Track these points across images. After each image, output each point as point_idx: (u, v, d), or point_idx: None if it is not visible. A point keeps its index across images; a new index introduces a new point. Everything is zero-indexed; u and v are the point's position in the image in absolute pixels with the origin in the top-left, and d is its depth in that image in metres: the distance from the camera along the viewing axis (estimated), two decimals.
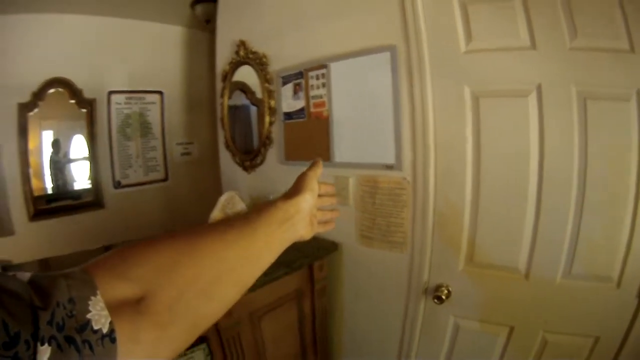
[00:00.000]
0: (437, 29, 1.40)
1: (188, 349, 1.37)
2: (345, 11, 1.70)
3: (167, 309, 0.39)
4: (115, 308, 0.34)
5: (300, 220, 0.63)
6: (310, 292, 1.79)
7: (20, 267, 2.25)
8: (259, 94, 2.29)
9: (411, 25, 1.44)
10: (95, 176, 3.41)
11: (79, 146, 3.38)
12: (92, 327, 0.31)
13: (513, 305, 1.38)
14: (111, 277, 0.37)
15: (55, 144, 3.28)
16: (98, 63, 3.37)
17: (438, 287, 1.49)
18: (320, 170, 0.72)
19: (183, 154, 3.86)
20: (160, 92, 3.70)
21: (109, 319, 0.32)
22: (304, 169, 1.77)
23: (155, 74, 3.67)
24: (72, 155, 3.36)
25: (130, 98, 3.57)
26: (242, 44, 2.29)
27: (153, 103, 3.69)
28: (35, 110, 3.12)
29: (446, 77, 1.39)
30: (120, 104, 3.52)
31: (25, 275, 0.32)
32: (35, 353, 0.27)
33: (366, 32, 1.62)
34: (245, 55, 2.27)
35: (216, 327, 1.42)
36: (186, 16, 3.48)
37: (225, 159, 2.71)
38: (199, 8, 3.13)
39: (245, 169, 2.43)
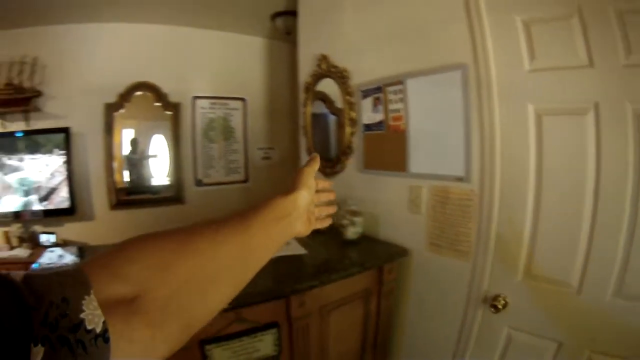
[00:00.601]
0: (503, 48, 1.58)
1: (259, 331, 1.63)
2: (419, 31, 1.94)
3: (160, 308, 0.42)
4: (109, 307, 0.36)
5: (298, 216, 0.67)
6: (378, 292, 2.03)
7: (96, 248, 2.72)
8: (338, 104, 2.57)
9: (479, 45, 1.64)
10: (177, 174, 3.99)
11: (157, 145, 3.97)
12: (85, 327, 0.32)
13: (564, 321, 1.49)
14: (105, 276, 0.39)
15: (134, 142, 3.90)
16: (184, 70, 3.93)
17: (496, 297, 1.65)
18: (317, 166, 0.76)
19: (264, 158, 4.31)
20: (243, 99, 4.19)
21: (103, 319, 0.34)
22: (383, 178, 2.01)
23: (239, 82, 4.15)
24: (149, 154, 3.96)
25: (214, 103, 4.10)
26: (323, 58, 2.59)
27: (236, 109, 4.19)
28: (121, 110, 3.77)
29: (511, 95, 1.57)
30: (205, 108, 4.07)
31: (19, 274, 0.33)
32: (28, 354, 0.28)
33: (439, 51, 1.85)
34: (327, 69, 2.57)
35: (288, 316, 1.68)
36: (267, 28, 3.90)
37: None
38: (279, 21, 3.52)
39: (326, 175, 2.71)
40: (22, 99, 3.60)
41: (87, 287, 0.35)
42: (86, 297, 0.34)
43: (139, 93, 3.86)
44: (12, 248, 3.65)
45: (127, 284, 0.40)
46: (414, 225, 2.05)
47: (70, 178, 3.67)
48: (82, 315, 0.33)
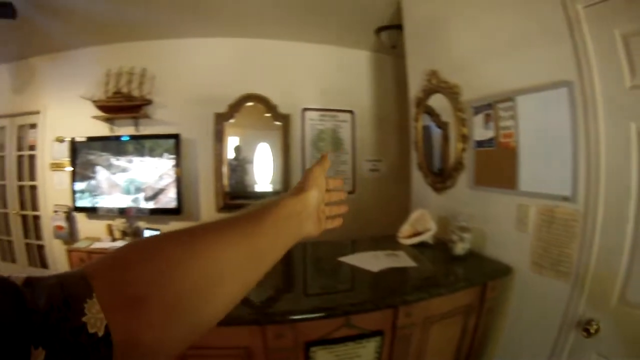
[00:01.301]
0: (604, 64, 1.65)
1: (365, 337, 1.79)
2: (525, 47, 2.05)
3: (165, 311, 0.43)
4: (111, 311, 0.37)
5: (308, 216, 0.70)
6: (478, 309, 2.14)
7: None
8: (443, 117, 2.75)
9: (583, 61, 1.71)
10: (286, 182, 4.42)
11: (263, 153, 4.47)
12: (87, 331, 0.34)
13: None
14: (109, 279, 0.40)
15: (237, 150, 4.45)
16: (293, 83, 4.39)
17: (589, 321, 1.69)
18: (327, 165, 0.78)
19: (371, 170, 4.59)
20: (351, 112, 4.52)
21: (105, 322, 0.36)
22: (492, 195, 2.35)
23: (346, 95, 4.50)
24: (255, 161, 4.48)
25: (323, 115, 4.50)
26: (433, 73, 2.77)
27: (345, 121, 4.54)
28: (231, 120, 4.34)
29: (614, 113, 1.63)
30: (314, 120, 4.49)
31: (20, 278, 0.35)
32: (28, 356, 0.30)
33: (545, 68, 1.94)
34: (437, 84, 2.74)
35: (394, 325, 1.82)
36: (372, 42, 4.21)
37: (417, 178, 3.17)
38: (384, 35, 3.79)
39: (436, 190, 2.88)
40: (132, 107, 4.29)
41: (90, 290, 0.37)
42: (88, 300, 0.36)
43: (248, 104, 4.38)
44: (114, 240, 4.34)
45: (131, 287, 0.41)
46: (520, 244, 2.15)
47: (179, 180, 4.28)
48: (83, 319, 0.35)
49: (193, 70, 4.36)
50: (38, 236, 5.13)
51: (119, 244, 4.09)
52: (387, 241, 2.70)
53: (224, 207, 4.39)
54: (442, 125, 2.82)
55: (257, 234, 0.58)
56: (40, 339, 0.31)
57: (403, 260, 2.31)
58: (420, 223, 2.71)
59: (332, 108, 4.55)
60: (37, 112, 4.92)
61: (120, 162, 4.44)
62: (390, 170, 4.66)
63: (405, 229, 2.74)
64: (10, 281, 0.34)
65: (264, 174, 4.53)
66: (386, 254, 2.39)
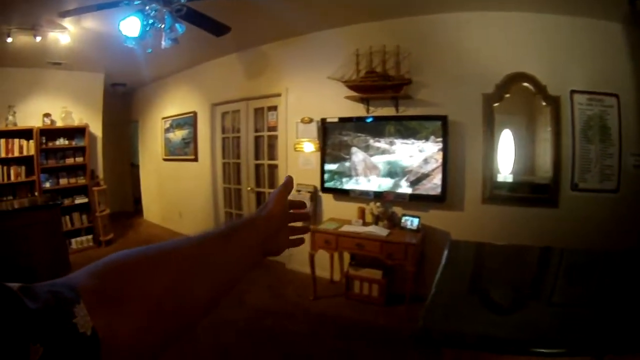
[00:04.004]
0: None
1: None
2: None
3: (142, 315, 0.51)
4: (96, 314, 0.44)
5: (270, 237, 0.79)
6: None
7: (458, 243, 2.98)
8: None
9: None
10: (554, 174, 4.21)
11: (506, 140, 4.29)
12: (77, 331, 0.41)
13: None
14: (93, 286, 0.48)
15: (501, 134, 4.27)
16: (559, 61, 4.12)
17: None
18: (291, 188, 0.87)
19: (635, 166, 4.10)
20: (616, 95, 4.08)
21: (91, 324, 0.43)
22: None
23: (610, 76, 4.09)
24: (502, 149, 4.28)
25: (591, 99, 4.14)
26: None
27: (611, 106, 4.11)
28: (499, 101, 4.21)
29: None
30: (582, 104, 4.16)
31: (15, 285, 0.41)
32: (28, 352, 0.35)
33: None
34: None
35: None
36: (624, 12, 3.73)
37: None
38: None
39: None
40: (389, 86, 4.38)
41: (77, 295, 0.44)
42: (76, 305, 0.43)
43: (518, 84, 4.24)
44: (365, 224, 4.43)
45: (111, 293, 0.49)
46: None
47: (445, 166, 4.27)
48: (74, 321, 0.41)
49: (454, 47, 4.35)
50: None
51: (372, 228, 4.29)
52: None
53: (490, 199, 4.26)
54: None
55: (227, 252, 0.68)
56: (38, 337, 0.36)
57: None
58: None
59: (598, 91, 4.12)
60: (278, 95, 5.56)
61: (380, 143, 4.56)
62: None
63: None
64: (7, 286, 0.39)
65: (509, 163, 4.35)
66: None
